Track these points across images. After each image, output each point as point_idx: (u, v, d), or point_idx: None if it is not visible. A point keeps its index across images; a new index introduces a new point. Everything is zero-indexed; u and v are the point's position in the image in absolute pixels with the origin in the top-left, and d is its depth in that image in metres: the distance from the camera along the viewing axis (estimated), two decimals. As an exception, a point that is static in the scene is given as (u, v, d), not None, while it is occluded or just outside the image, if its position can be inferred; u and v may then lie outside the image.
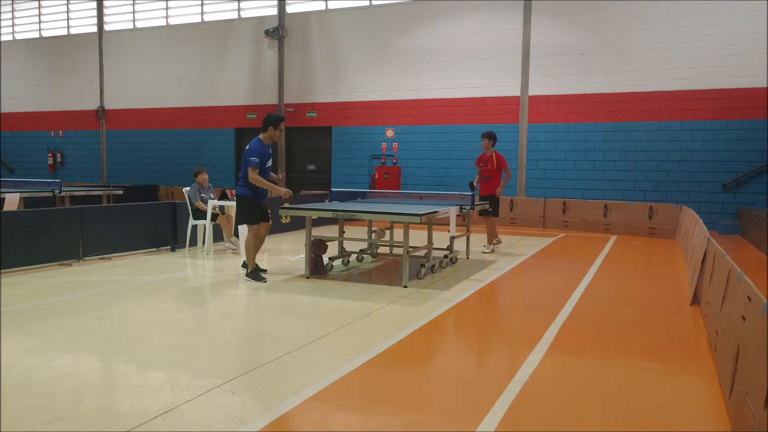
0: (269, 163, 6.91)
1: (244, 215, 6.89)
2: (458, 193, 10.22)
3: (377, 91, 16.37)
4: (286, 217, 11.42)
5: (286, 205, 7.16)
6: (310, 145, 17.66)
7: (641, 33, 13.60)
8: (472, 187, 9.32)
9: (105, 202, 14.32)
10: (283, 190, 6.84)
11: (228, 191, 9.10)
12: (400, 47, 16.01)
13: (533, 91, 14.68)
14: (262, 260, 8.44)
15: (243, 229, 7.59)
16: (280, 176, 7.04)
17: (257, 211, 6.89)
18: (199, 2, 18.83)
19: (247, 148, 6.74)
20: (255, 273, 6.90)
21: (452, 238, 8.35)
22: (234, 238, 9.24)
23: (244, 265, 7.14)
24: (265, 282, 6.80)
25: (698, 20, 13.06)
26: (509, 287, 7.18)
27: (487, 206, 9.41)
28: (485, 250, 9.55)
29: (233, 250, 9.17)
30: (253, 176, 6.61)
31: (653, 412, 3.39)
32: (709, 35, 12.98)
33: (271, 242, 10.08)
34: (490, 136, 9.61)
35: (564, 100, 14.39)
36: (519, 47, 14.72)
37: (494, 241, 9.77)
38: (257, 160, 6.61)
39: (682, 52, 13.26)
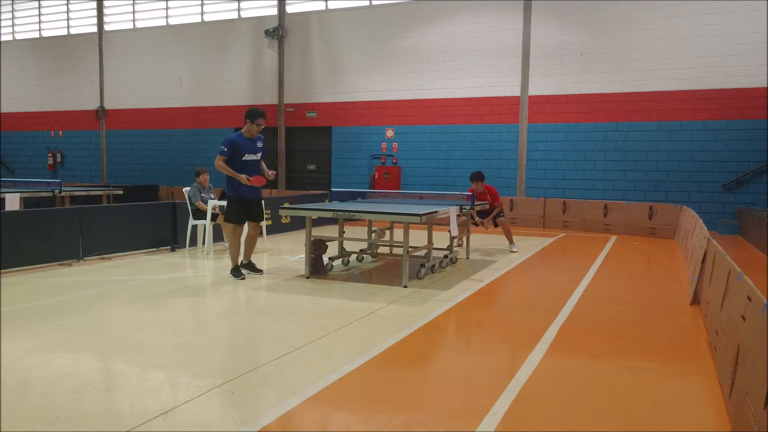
0: (253, 157, 6.92)
1: (229, 214, 7.03)
2: (458, 193, 10.22)
3: (377, 91, 16.36)
4: (286, 217, 11.42)
5: (287, 205, 7.16)
6: (310, 145, 17.66)
7: (641, 33, 13.60)
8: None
9: (105, 202, 14.32)
10: (243, 177, 6.80)
11: (228, 191, 9.09)
12: (400, 47, 16.01)
13: (533, 91, 14.68)
14: (262, 260, 8.43)
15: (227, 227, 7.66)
16: (271, 173, 7.12)
17: (243, 210, 6.96)
18: (199, 2, 18.83)
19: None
20: (236, 270, 7.03)
21: (452, 238, 8.35)
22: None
23: (242, 265, 7.17)
24: (243, 278, 6.94)
25: (698, 20, 13.07)
26: (509, 287, 7.18)
27: (486, 207, 9.43)
28: (513, 249, 9.64)
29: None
30: (218, 163, 6.78)
31: (653, 412, 3.39)
32: (709, 35, 12.99)
33: (271, 242, 10.08)
34: (481, 177, 9.49)
35: (564, 100, 14.39)
36: (519, 47, 14.72)
37: (458, 243, 9.52)
38: (225, 149, 6.76)
39: (682, 52, 13.26)
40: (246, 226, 7.15)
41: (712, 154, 13.19)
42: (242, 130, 6.93)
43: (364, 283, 7.04)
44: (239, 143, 6.82)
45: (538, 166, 14.79)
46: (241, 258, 7.21)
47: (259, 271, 7.28)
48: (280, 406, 3.32)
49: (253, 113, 6.88)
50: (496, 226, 9.85)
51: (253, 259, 7.43)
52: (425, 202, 9.25)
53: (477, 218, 9.63)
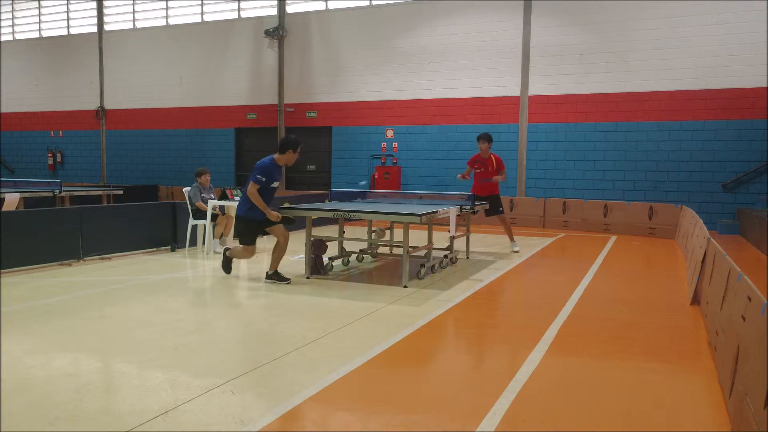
0: (276, 184, 6.75)
1: (241, 236, 6.88)
2: (458, 193, 10.21)
3: (377, 91, 16.36)
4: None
5: (287, 205, 7.13)
6: (310, 145, 17.63)
7: (641, 33, 13.60)
8: (463, 178, 9.39)
9: (105, 202, 14.31)
10: (274, 213, 6.62)
11: (228, 191, 9.10)
12: (400, 47, 16.01)
13: (533, 91, 14.68)
14: (262, 260, 8.43)
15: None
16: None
17: (255, 230, 6.77)
18: (199, 2, 18.83)
19: (258, 163, 6.64)
20: (227, 263, 7.06)
21: (452, 238, 8.34)
22: (224, 239, 9.24)
23: (268, 276, 6.88)
24: (228, 273, 7.06)
25: (698, 20, 13.06)
26: (509, 287, 7.18)
27: (487, 206, 9.37)
28: (514, 249, 9.52)
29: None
30: (252, 191, 6.49)
31: (653, 412, 3.39)
32: (709, 35, 12.98)
33: (271, 242, 10.07)
34: (489, 139, 9.39)
35: (564, 100, 14.38)
36: (519, 47, 14.72)
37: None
38: (263, 179, 6.53)
39: (682, 52, 13.26)
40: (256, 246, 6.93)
41: (712, 154, 13.19)
42: (275, 157, 6.69)
43: (364, 283, 7.04)
44: (273, 172, 6.64)
45: (538, 166, 14.79)
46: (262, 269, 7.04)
47: (287, 280, 6.88)
48: (280, 406, 3.32)
49: (295, 143, 6.70)
50: (488, 215, 9.60)
51: (253, 259, 7.41)
52: (425, 202, 9.25)
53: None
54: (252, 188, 6.51)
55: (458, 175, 9.52)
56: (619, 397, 3.62)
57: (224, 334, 4.85)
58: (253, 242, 6.82)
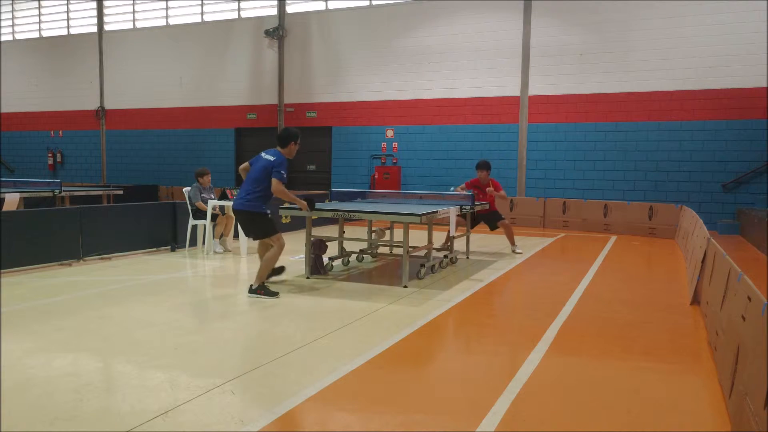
0: None
1: (270, 228, 6.32)
2: (458, 192, 10.21)
3: (377, 91, 16.36)
4: (286, 217, 11.41)
5: (286, 205, 7.13)
6: (310, 145, 17.62)
7: (641, 33, 13.60)
8: (461, 190, 9.36)
9: (105, 202, 14.31)
10: (303, 202, 6.51)
11: (228, 191, 9.10)
12: (400, 47, 16.00)
13: (533, 91, 14.68)
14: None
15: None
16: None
17: (271, 222, 6.41)
18: (199, 2, 18.83)
19: (273, 159, 6.34)
20: (266, 288, 6.21)
21: (452, 238, 8.34)
22: (224, 239, 9.23)
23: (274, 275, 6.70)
24: (277, 296, 6.15)
25: (698, 20, 13.06)
26: (509, 287, 7.18)
27: (487, 206, 9.35)
28: (517, 251, 9.50)
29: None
30: (281, 188, 6.20)
31: (653, 412, 3.39)
32: (709, 35, 12.99)
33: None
34: (489, 167, 9.43)
35: (564, 100, 14.38)
36: (519, 47, 14.72)
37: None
38: (286, 176, 6.31)
39: (682, 52, 13.26)
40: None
41: (712, 154, 13.19)
42: (281, 151, 6.47)
43: (364, 283, 7.04)
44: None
45: (538, 166, 14.79)
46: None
47: (281, 269, 6.88)
48: (280, 406, 3.32)
49: (296, 134, 6.53)
50: (492, 228, 9.68)
51: (253, 259, 7.38)
52: (425, 202, 9.25)
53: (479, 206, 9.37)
54: (280, 186, 6.21)
55: (457, 188, 9.56)
56: (619, 396, 3.62)
57: (224, 334, 4.85)
58: (276, 230, 6.35)
